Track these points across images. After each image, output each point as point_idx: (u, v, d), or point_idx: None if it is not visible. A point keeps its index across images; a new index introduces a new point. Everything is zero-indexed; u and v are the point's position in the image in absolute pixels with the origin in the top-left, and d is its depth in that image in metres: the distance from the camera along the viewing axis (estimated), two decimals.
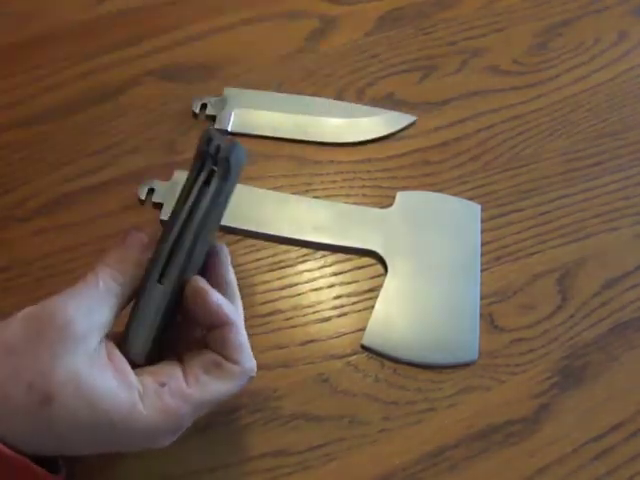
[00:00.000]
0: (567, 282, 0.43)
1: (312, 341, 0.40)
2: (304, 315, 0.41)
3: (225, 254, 0.34)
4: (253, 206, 0.44)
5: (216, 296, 0.31)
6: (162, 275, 0.31)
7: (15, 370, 0.27)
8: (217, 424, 0.37)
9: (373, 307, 0.41)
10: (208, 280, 0.32)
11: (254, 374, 0.32)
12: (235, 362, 0.31)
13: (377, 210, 0.45)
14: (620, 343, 0.41)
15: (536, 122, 0.51)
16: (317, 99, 0.50)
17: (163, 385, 0.30)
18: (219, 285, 0.33)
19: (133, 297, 0.31)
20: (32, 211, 0.44)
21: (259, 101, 0.49)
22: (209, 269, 0.33)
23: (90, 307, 0.29)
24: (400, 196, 0.46)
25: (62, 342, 0.28)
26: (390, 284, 0.42)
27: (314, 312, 0.41)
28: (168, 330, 0.32)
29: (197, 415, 0.31)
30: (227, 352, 0.31)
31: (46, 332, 0.28)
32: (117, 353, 0.30)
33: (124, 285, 0.30)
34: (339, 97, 0.51)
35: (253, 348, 0.39)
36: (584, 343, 0.41)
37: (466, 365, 0.40)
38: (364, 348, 0.40)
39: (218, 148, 0.31)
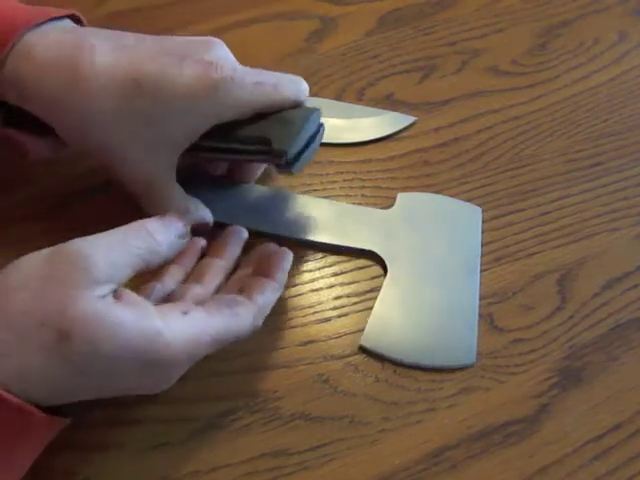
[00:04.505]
0: (567, 282, 0.43)
1: (312, 341, 0.40)
2: (304, 315, 0.41)
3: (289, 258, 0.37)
4: (252, 206, 0.44)
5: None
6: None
7: (26, 307, 0.27)
8: (217, 424, 0.37)
9: (373, 308, 0.41)
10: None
11: (259, 319, 0.34)
12: (250, 299, 0.33)
13: (377, 211, 0.45)
14: (620, 343, 0.41)
15: (536, 122, 0.51)
16: (317, 99, 0.50)
17: (185, 314, 0.30)
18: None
19: (156, 266, 0.32)
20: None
21: None
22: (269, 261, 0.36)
23: (114, 261, 0.29)
24: (401, 197, 0.46)
25: (79, 283, 0.27)
26: (389, 285, 0.42)
27: (314, 312, 0.41)
28: None
29: (213, 349, 0.31)
30: (250, 291, 0.34)
31: (65, 269, 0.28)
32: (130, 293, 0.30)
33: (152, 253, 0.30)
34: (339, 97, 0.51)
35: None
36: (584, 343, 0.41)
37: (466, 366, 0.40)
38: (363, 349, 0.40)
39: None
